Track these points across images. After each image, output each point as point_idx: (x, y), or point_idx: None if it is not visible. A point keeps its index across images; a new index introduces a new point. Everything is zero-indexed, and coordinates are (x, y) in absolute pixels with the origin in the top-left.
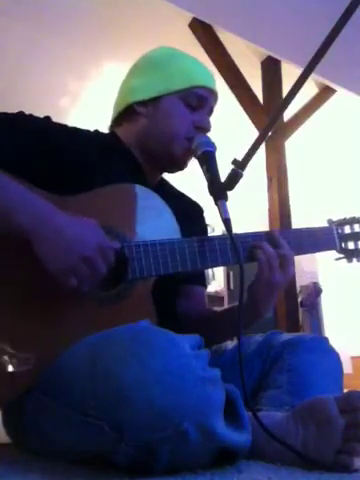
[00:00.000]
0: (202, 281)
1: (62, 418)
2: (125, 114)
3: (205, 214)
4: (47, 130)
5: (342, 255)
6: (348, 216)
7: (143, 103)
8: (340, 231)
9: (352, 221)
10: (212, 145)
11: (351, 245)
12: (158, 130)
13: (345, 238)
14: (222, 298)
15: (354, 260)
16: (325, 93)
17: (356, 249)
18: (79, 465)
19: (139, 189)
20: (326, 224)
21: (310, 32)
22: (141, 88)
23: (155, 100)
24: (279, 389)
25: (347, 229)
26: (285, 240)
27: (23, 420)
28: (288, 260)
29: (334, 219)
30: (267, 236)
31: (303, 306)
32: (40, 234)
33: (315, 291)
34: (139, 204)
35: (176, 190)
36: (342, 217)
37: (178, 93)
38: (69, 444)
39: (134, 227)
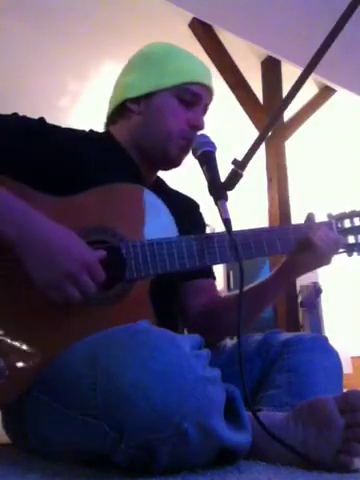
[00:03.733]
0: (211, 273)
1: (62, 418)
2: (119, 111)
3: (202, 210)
4: (41, 131)
5: (342, 249)
6: (348, 210)
7: (136, 100)
8: (340, 225)
9: (352, 215)
10: (212, 145)
11: (351, 239)
12: (151, 127)
13: (345, 232)
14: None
15: (354, 254)
16: (325, 93)
17: (357, 243)
18: (79, 465)
19: (145, 190)
20: (326, 219)
21: (310, 32)
22: (134, 85)
23: (148, 96)
24: (279, 389)
25: (347, 223)
26: (286, 235)
27: (23, 420)
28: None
29: (334, 213)
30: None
31: (303, 306)
32: (26, 247)
33: (315, 291)
34: (146, 204)
35: (171, 188)
36: (342, 211)
37: (171, 89)
38: (69, 444)
39: (139, 228)
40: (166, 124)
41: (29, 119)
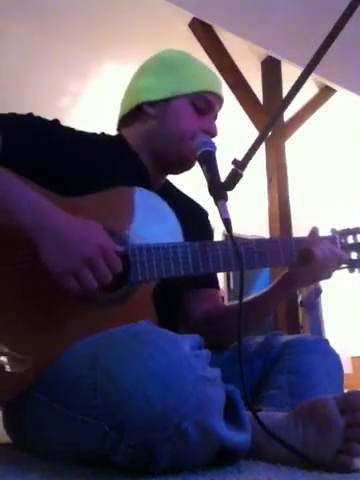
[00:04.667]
0: (215, 283)
1: (62, 418)
2: (134, 114)
3: (211, 218)
4: (52, 132)
5: (344, 265)
6: (351, 226)
7: (152, 103)
8: (343, 241)
9: (356, 231)
10: (212, 145)
11: (354, 255)
12: (167, 131)
13: (348, 248)
14: (222, 298)
15: (356, 270)
16: (325, 93)
17: (359, 259)
18: (79, 465)
19: (139, 191)
20: (329, 233)
21: (310, 32)
22: (152, 88)
23: (165, 101)
24: (279, 389)
25: (350, 239)
26: (288, 248)
27: (23, 420)
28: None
29: (338, 229)
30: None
31: (303, 306)
32: (42, 235)
33: (315, 291)
34: (138, 206)
35: (182, 193)
36: (346, 227)
37: (188, 96)
38: (69, 444)
39: (132, 229)
40: (181, 128)
41: (43, 120)
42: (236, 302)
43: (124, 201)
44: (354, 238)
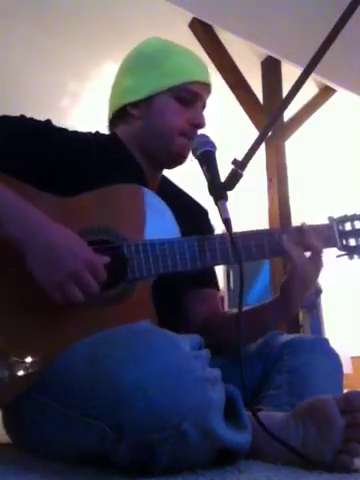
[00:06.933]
0: (215, 283)
1: (62, 418)
2: (119, 115)
3: (211, 217)
4: (46, 133)
5: (343, 252)
6: (349, 213)
7: (136, 104)
8: (341, 228)
9: (353, 218)
10: (212, 145)
11: (352, 242)
12: (153, 130)
13: (346, 235)
14: (222, 298)
15: (355, 257)
16: (325, 93)
17: (357, 246)
18: (79, 465)
19: (147, 192)
20: (327, 221)
21: (310, 32)
22: (132, 89)
23: (148, 100)
24: (279, 389)
25: (348, 226)
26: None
27: (23, 420)
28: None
29: (335, 216)
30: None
31: (303, 306)
32: (30, 247)
33: (315, 291)
34: (146, 205)
35: (181, 191)
36: (343, 214)
37: (170, 90)
38: (69, 444)
39: (140, 227)
40: (167, 125)
41: (36, 121)
42: (234, 310)
43: (134, 201)
44: (352, 225)
